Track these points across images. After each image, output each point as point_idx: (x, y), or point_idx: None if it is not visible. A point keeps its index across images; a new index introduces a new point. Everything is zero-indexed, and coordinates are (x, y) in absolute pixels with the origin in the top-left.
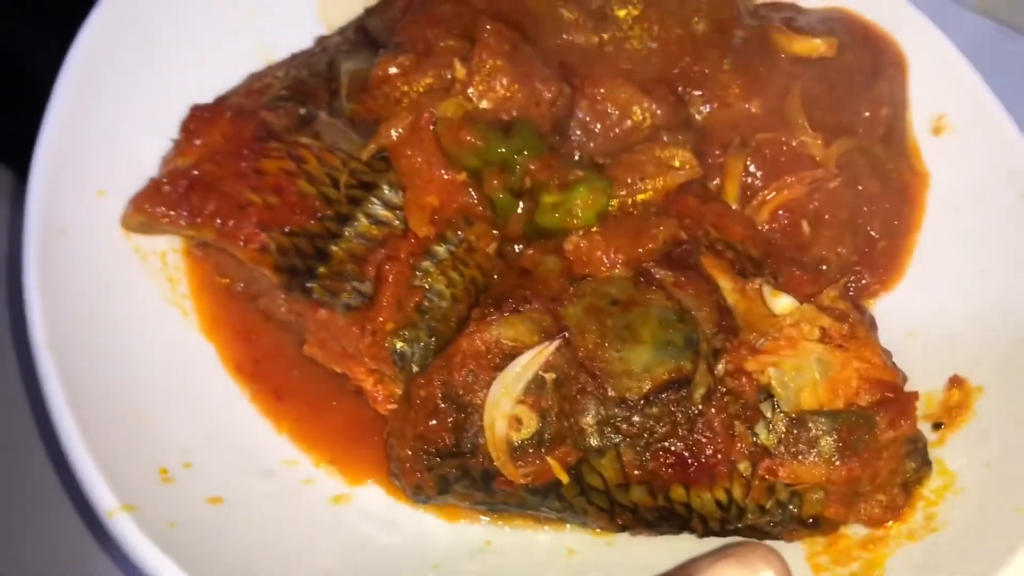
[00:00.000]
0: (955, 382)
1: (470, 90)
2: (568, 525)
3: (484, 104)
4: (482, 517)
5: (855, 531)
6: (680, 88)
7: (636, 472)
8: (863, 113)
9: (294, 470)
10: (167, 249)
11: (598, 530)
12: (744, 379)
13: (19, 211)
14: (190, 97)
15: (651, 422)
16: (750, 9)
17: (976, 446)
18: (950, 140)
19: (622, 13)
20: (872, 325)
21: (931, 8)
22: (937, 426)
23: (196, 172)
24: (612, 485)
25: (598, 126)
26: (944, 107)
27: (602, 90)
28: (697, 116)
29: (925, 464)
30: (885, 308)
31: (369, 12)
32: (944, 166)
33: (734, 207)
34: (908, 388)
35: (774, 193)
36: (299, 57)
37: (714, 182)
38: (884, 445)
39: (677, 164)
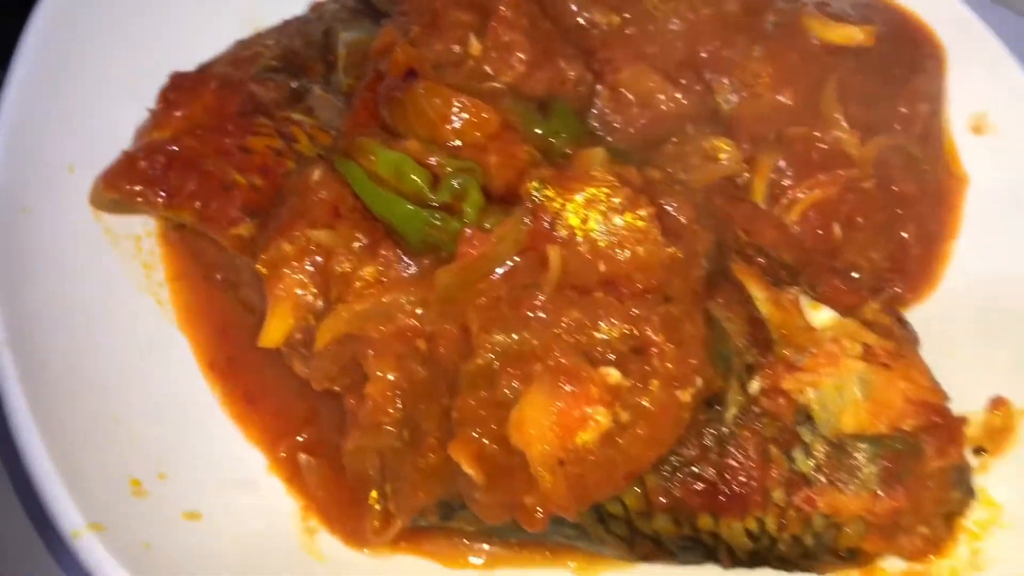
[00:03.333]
0: (997, 404)
1: (486, 67)
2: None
3: (501, 82)
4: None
5: (892, 564)
6: (707, 75)
7: (661, 499)
8: (900, 109)
9: (280, 480)
10: (142, 233)
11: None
12: (781, 399)
13: None
14: (170, 64)
15: (678, 444)
16: None
17: (1023, 476)
18: (992, 141)
19: None
20: (916, 342)
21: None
22: (979, 451)
23: (175, 147)
24: (633, 513)
25: (619, 118)
26: (986, 105)
27: (624, 76)
28: (724, 106)
29: (969, 494)
30: (916, 320)
31: None
32: (984, 168)
33: (763, 207)
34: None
35: (805, 192)
36: (292, 24)
37: (739, 178)
38: (930, 474)
39: (721, 157)
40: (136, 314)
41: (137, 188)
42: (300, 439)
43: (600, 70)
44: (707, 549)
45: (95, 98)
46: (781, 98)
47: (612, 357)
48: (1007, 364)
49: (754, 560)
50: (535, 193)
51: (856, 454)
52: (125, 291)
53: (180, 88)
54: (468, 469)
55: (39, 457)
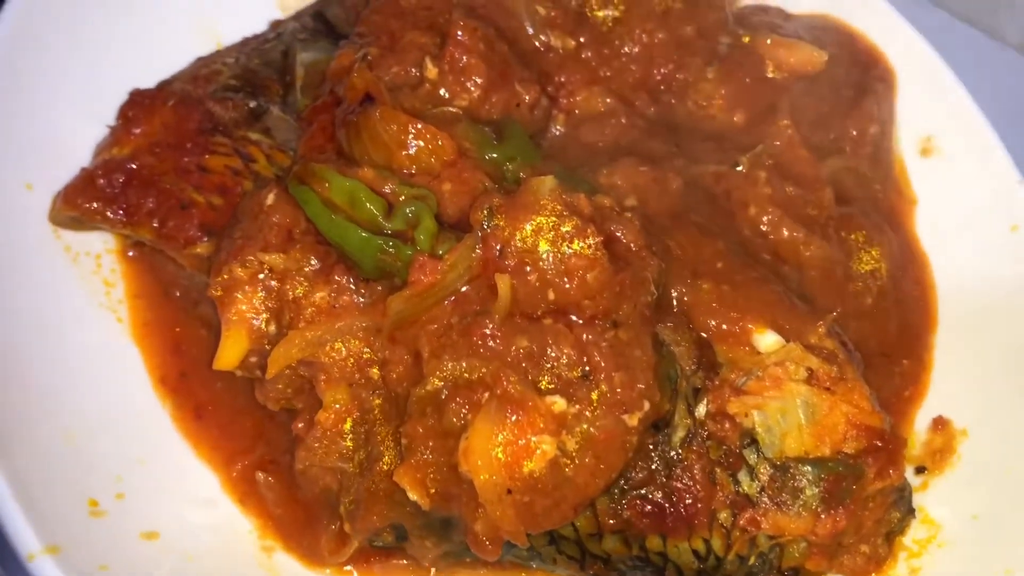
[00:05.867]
0: (938, 424)
1: (442, 90)
2: None
3: (456, 106)
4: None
5: None
6: (662, 97)
7: (610, 521)
8: (850, 131)
9: (233, 500)
10: (102, 250)
11: None
12: (727, 422)
13: None
14: (129, 81)
15: (627, 467)
16: (735, 13)
17: (961, 494)
18: (938, 164)
19: (601, 14)
20: (859, 366)
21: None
22: (920, 470)
23: (134, 164)
24: (584, 534)
25: (574, 141)
26: (933, 129)
27: (579, 100)
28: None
29: (909, 513)
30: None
31: None
32: (931, 190)
33: None
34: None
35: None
36: (251, 42)
37: None
38: (871, 495)
39: None
40: (95, 331)
41: (95, 206)
42: (254, 458)
43: (555, 93)
44: (656, 568)
45: (53, 115)
46: (735, 119)
47: (560, 384)
48: (947, 384)
49: None
50: (485, 221)
51: (799, 476)
52: (84, 308)
53: (139, 105)
54: (412, 495)
55: None
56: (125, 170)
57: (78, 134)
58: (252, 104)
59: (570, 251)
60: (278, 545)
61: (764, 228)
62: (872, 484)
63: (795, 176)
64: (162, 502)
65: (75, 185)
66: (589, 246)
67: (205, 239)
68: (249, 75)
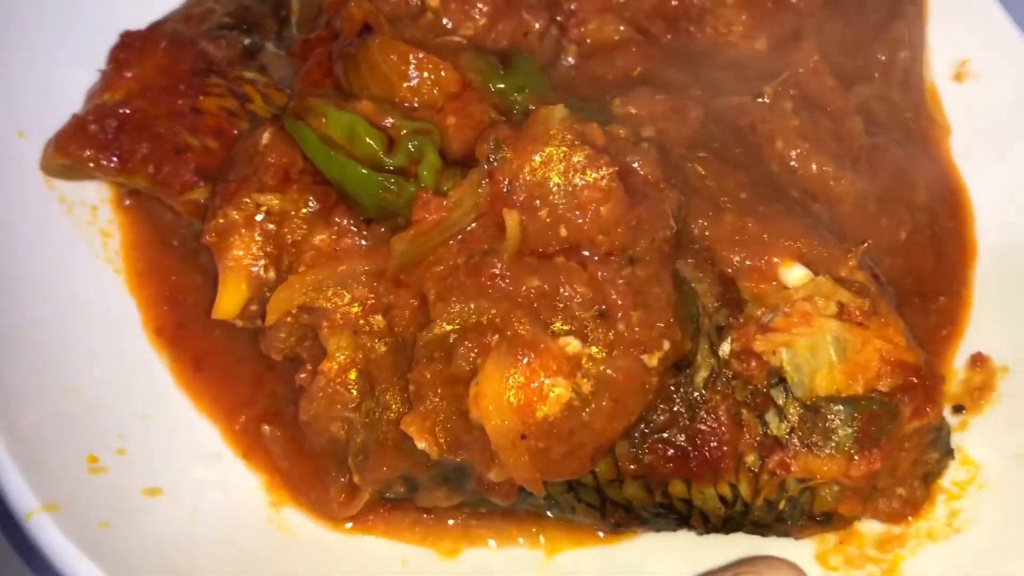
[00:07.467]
0: (977, 360)
1: (445, 19)
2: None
3: (461, 35)
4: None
5: (870, 528)
6: (679, 24)
7: (631, 466)
8: (878, 56)
9: (236, 454)
10: (97, 200)
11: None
12: (752, 361)
13: None
14: (120, 23)
15: (648, 410)
16: None
17: (1002, 434)
18: (974, 88)
19: None
20: (892, 299)
21: None
22: (958, 409)
23: (126, 109)
24: (603, 481)
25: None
26: (968, 52)
27: (591, 27)
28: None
29: (948, 454)
30: None
31: None
32: (966, 117)
33: None
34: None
35: None
36: None
37: None
38: (907, 435)
39: None
40: (92, 284)
41: (88, 153)
42: (257, 410)
43: (565, 22)
44: (680, 516)
45: (43, 60)
46: (757, 46)
47: (574, 325)
48: (985, 319)
49: (728, 526)
50: (492, 154)
51: (831, 416)
52: (79, 260)
53: (130, 47)
54: (420, 443)
55: None
56: (117, 115)
57: (70, 79)
58: (247, 41)
59: (582, 183)
60: (286, 499)
61: (792, 164)
62: (908, 423)
63: (822, 106)
64: (165, 457)
65: (66, 132)
66: (603, 177)
67: (202, 184)
68: (243, 12)
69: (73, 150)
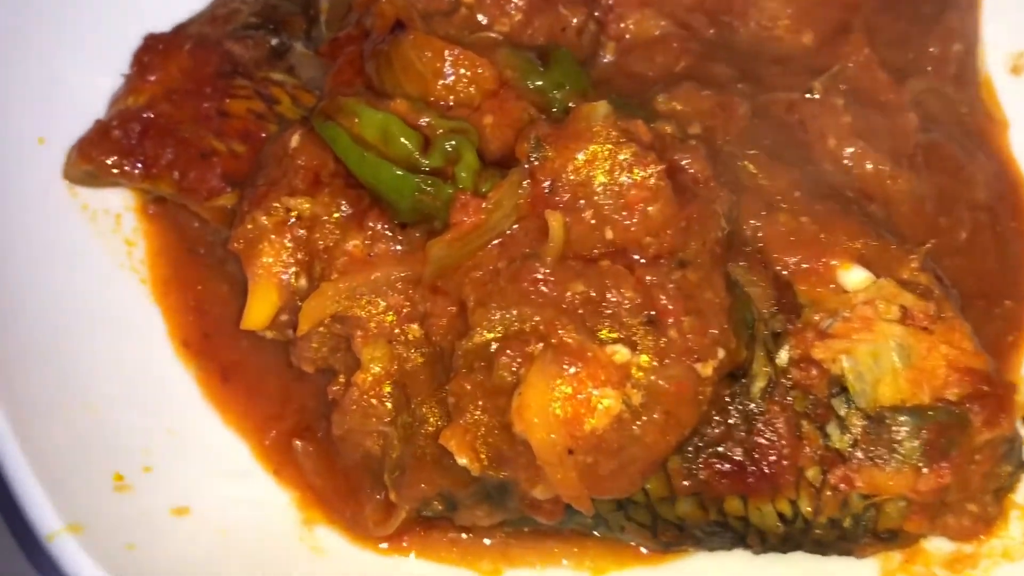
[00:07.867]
0: None
1: (479, 15)
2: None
3: (496, 31)
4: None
5: (938, 546)
6: (722, 18)
7: (684, 483)
8: (930, 49)
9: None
10: (121, 208)
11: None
12: (812, 369)
13: None
14: (143, 25)
15: (702, 423)
16: None
17: None
18: None
19: None
20: (957, 302)
21: None
22: None
23: (150, 114)
24: (655, 498)
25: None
26: None
27: (630, 23)
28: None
29: (1021, 467)
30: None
31: None
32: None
33: None
34: None
35: None
36: None
37: None
38: (978, 447)
39: None
40: (116, 294)
41: (112, 159)
42: (288, 424)
43: (604, 17)
44: (736, 534)
45: (65, 64)
46: (804, 40)
47: (622, 332)
48: None
49: (787, 544)
50: (532, 153)
51: (896, 427)
52: (103, 270)
53: (154, 50)
54: (461, 459)
55: (13, 453)
56: (141, 120)
57: (92, 83)
58: (274, 41)
59: (629, 182)
60: (319, 517)
61: (846, 162)
62: (979, 434)
63: (873, 101)
64: (192, 475)
65: (89, 138)
66: (650, 175)
67: (229, 190)
68: (270, 11)
69: (96, 156)
